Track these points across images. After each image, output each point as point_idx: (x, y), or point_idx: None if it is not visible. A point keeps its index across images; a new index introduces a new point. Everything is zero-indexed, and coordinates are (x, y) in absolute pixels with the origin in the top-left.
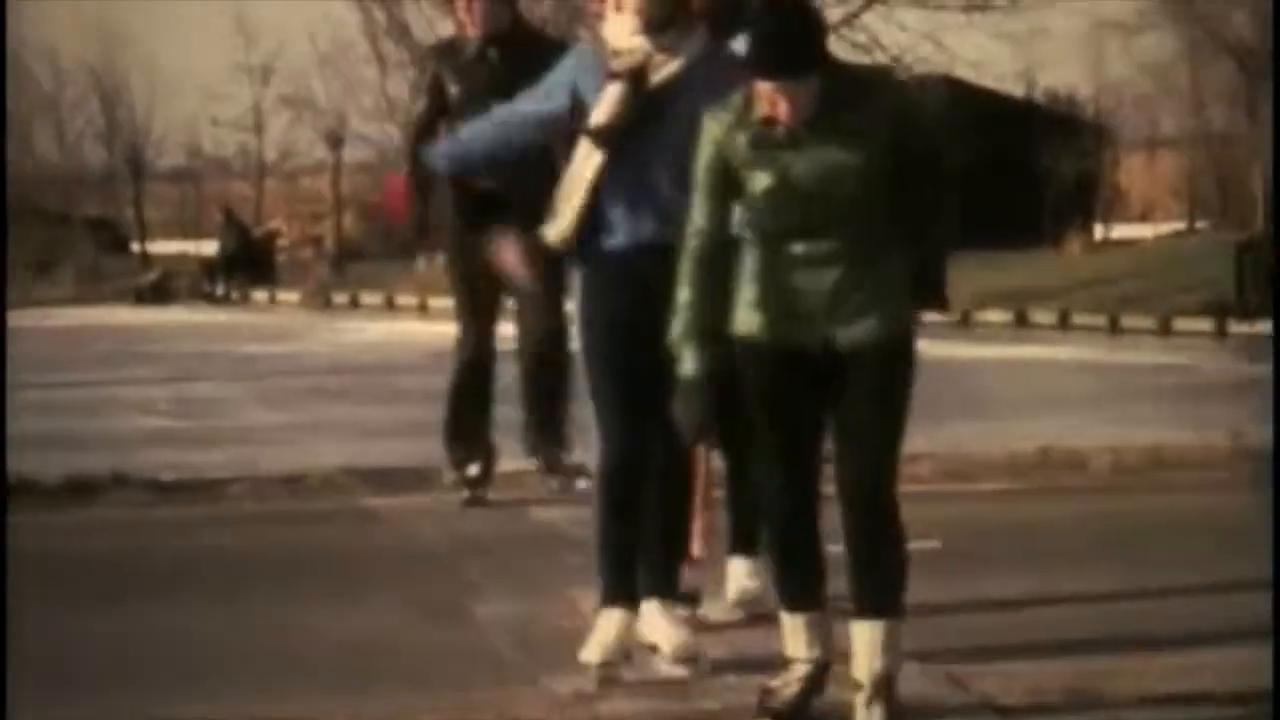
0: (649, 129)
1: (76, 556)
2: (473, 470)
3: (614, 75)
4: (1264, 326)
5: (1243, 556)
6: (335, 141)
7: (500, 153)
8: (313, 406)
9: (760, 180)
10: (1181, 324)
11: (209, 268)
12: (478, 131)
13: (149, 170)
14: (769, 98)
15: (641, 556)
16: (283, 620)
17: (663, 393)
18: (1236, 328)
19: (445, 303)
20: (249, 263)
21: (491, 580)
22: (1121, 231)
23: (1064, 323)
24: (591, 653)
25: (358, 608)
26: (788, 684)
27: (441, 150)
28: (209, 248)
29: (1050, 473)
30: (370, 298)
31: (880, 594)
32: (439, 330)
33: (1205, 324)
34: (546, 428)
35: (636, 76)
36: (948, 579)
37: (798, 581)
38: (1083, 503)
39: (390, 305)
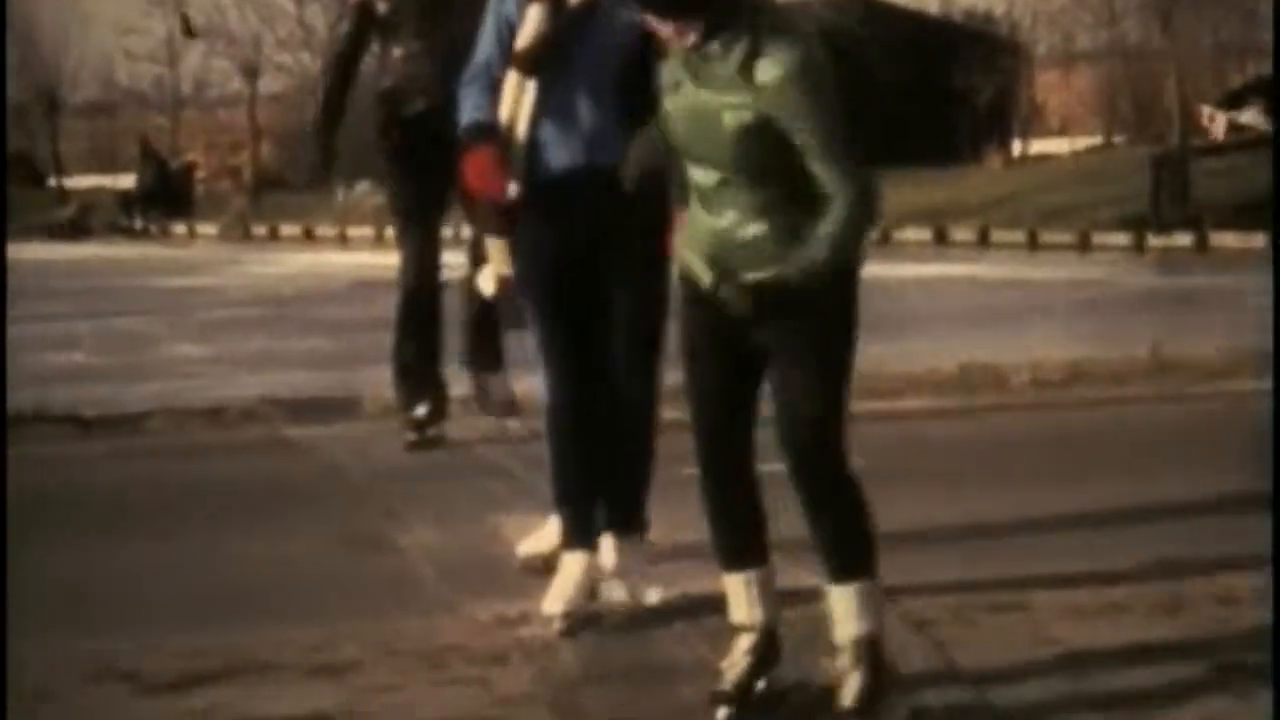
0: (571, 51)
1: None
2: (420, 411)
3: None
4: (1181, 239)
5: (1167, 468)
6: (251, 72)
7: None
8: (232, 339)
9: (665, 104)
10: (1100, 238)
11: (126, 201)
12: (475, 100)
13: (63, 105)
14: (652, 24)
15: (603, 491)
16: (205, 552)
17: (607, 326)
18: (1154, 241)
19: (365, 232)
20: (167, 196)
21: (413, 508)
22: (1039, 147)
23: (983, 239)
24: (552, 602)
25: (280, 538)
26: (733, 663)
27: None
28: (126, 181)
29: (970, 390)
30: (289, 229)
31: (844, 556)
32: (358, 260)
33: (1123, 238)
34: (482, 355)
35: None
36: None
37: (729, 535)
38: (1003, 419)
39: (309, 236)
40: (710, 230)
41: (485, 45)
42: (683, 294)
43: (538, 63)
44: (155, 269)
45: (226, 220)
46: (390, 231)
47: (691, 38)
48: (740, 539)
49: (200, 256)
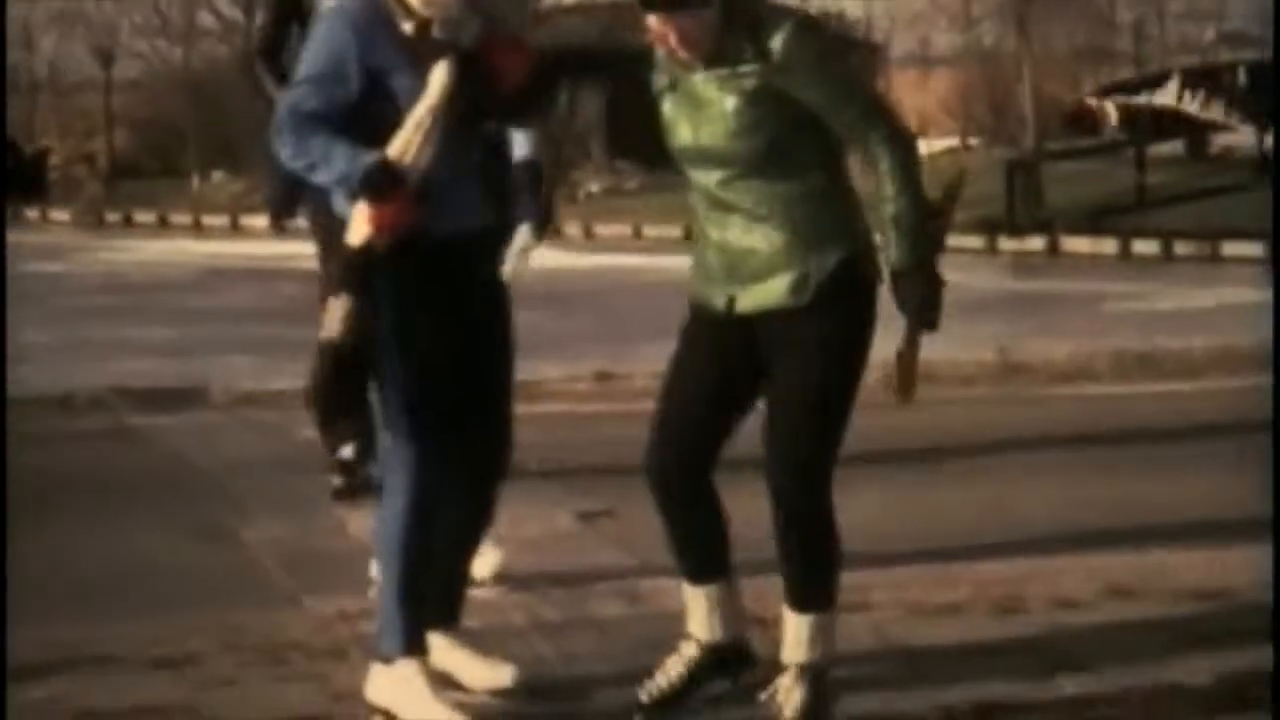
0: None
1: None
2: (345, 452)
3: (433, 46)
4: (1034, 243)
5: (1015, 468)
6: (106, 58)
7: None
8: (83, 326)
9: (662, 115)
10: (953, 240)
11: None
12: (344, 147)
13: None
14: (657, 31)
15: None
16: (47, 542)
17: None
18: (1006, 244)
19: (219, 220)
20: (20, 181)
21: (259, 501)
22: None
23: None
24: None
25: (123, 529)
26: (663, 670)
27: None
28: None
29: None
30: (144, 216)
31: (800, 587)
32: (212, 249)
33: (976, 240)
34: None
35: (455, 45)
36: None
37: (684, 548)
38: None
39: (164, 223)
40: (719, 245)
41: (325, 89)
42: (690, 315)
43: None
44: (7, 254)
45: (80, 206)
46: (244, 221)
47: (696, 42)
48: (696, 553)
49: (53, 242)
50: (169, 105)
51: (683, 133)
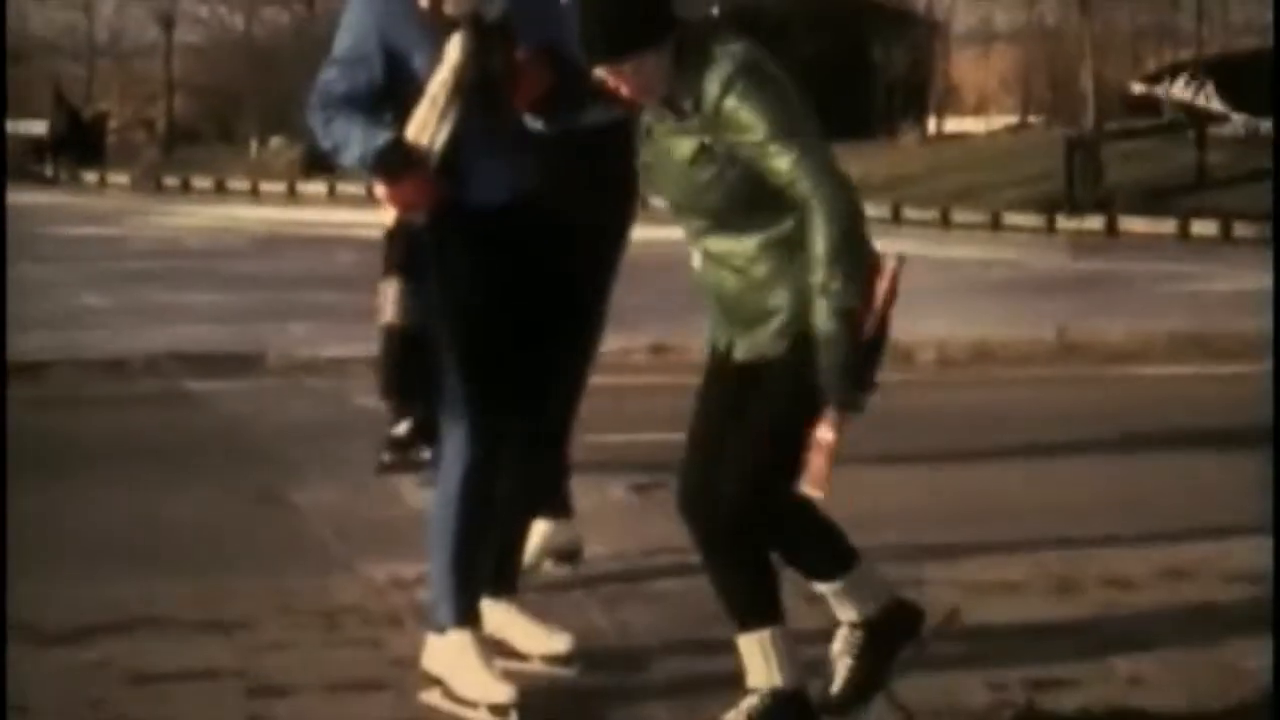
0: (499, 78)
1: None
2: (400, 429)
3: (448, 22)
4: (1092, 222)
5: (1071, 448)
6: (167, 22)
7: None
8: (139, 290)
9: (643, 155)
10: (1011, 219)
11: (38, 148)
12: (364, 128)
13: None
14: (610, 81)
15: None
16: (103, 504)
17: (535, 376)
18: (1065, 223)
19: (277, 187)
20: (79, 144)
21: (314, 467)
22: (955, 125)
23: (896, 217)
24: (491, 692)
25: (177, 493)
26: None
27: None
28: (38, 128)
29: None
30: (201, 181)
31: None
32: (269, 215)
33: (1035, 219)
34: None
35: (475, 19)
36: None
37: (730, 592)
38: (907, 395)
39: (221, 189)
40: (714, 291)
41: (351, 71)
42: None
43: (466, 92)
44: (64, 217)
45: (139, 170)
46: (301, 187)
47: (646, 89)
48: (742, 597)
49: (110, 206)
50: (228, 71)
51: (656, 183)
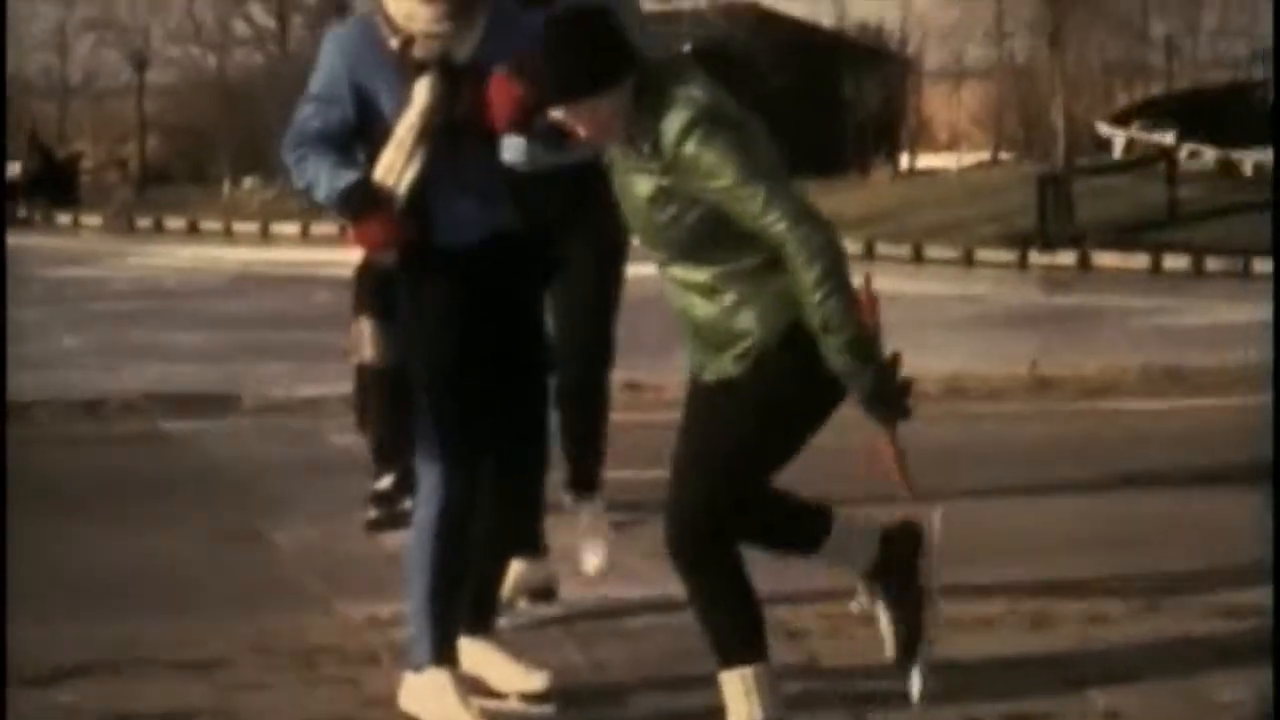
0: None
1: None
2: (383, 483)
3: (417, 65)
4: (1064, 257)
5: (1045, 483)
6: (140, 63)
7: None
8: (114, 331)
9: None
10: (984, 254)
11: (11, 189)
12: (331, 167)
13: None
14: (567, 122)
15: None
16: (80, 544)
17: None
18: (1037, 258)
19: (249, 227)
20: (52, 185)
21: (290, 506)
22: (926, 161)
23: (869, 252)
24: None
25: (154, 532)
26: None
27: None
28: (12, 169)
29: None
30: (174, 221)
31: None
32: (242, 256)
33: (1007, 255)
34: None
35: (444, 62)
36: None
37: (712, 624)
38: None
39: (194, 229)
40: (684, 314)
41: (324, 111)
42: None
43: (436, 133)
44: (38, 258)
45: (111, 211)
46: (274, 228)
47: (603, 130)
48: (724, 631)
49: (84, 247)
50: (201, 111)
51: (624, 211)
